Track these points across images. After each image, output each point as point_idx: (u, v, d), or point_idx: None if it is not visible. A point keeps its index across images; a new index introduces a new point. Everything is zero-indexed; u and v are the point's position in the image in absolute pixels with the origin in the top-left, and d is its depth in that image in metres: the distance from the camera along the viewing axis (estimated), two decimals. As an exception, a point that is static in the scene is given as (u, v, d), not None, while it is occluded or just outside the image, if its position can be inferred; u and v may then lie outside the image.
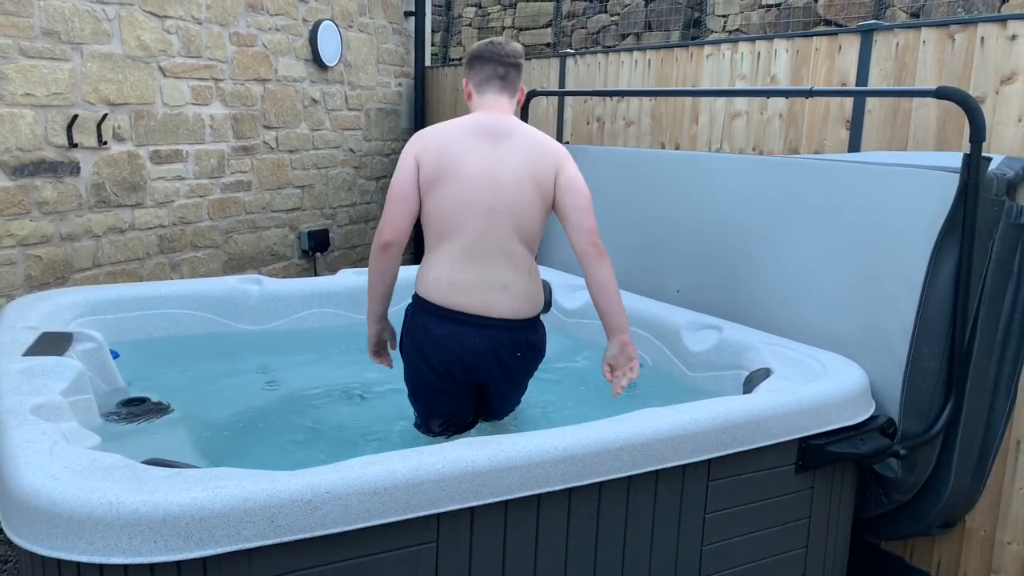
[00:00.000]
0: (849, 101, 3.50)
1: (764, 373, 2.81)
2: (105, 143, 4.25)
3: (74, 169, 4.11)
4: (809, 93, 3.15)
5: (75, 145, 4.08)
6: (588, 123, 5.00)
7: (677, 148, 4.43)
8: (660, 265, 3.93)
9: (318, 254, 5.90)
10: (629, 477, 2.23)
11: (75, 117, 4.05)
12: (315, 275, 5.83)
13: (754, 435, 2.41)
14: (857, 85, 3.48)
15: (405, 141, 6.61)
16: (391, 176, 2.75)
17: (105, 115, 4.21)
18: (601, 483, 2.20)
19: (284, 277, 4.93)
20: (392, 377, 3.59)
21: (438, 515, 1.99)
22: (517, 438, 2.14)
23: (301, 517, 1.81)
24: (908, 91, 3.20)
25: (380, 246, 2.65)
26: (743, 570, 2.54)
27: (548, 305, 4.15)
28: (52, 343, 2.88)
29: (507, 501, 2.07)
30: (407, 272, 2.89)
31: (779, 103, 3.82)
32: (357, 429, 3.14)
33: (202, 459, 2.70)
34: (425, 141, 2.67)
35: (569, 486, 2.13)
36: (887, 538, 3.10)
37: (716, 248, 3.60)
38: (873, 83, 3.41)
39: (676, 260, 3.84)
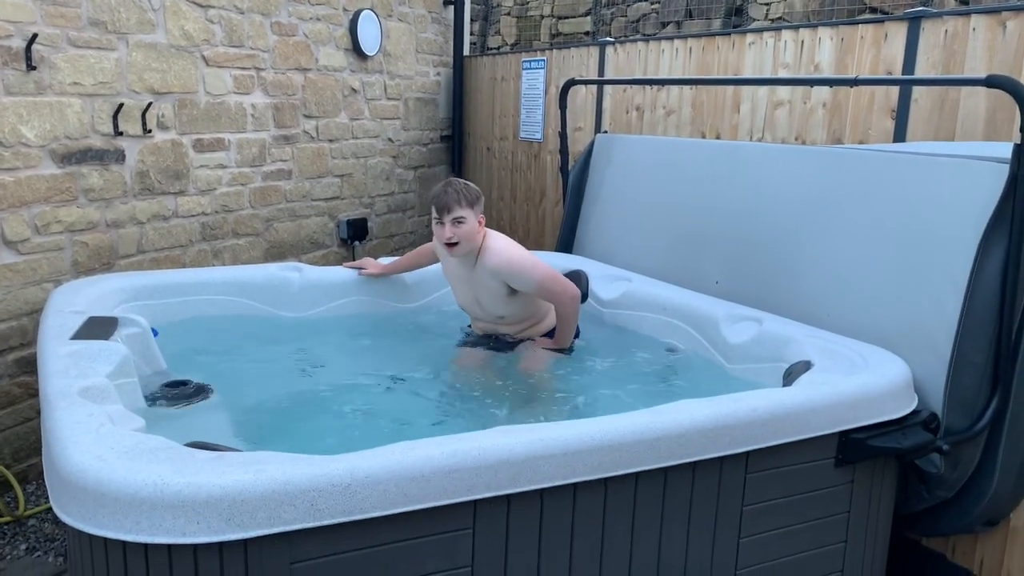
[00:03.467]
0: (895, 90, 3.43)
1: (804, 366, 2.78)
2: (149, 131, 4.32)
3: (119, 157, 4.19)
4: (854, 82, 3.10)
5: (120, 133, 4.16)
6: (627, 112, 4.97)
7: (718, 137, 4.39)
8: (699, 256, 3.90)
9: (356, 243, 5.94)
10: (666, 468, 2.23)
11: (121, 106, 4.12)
12: (353, 263, 5.87)
13: (793, 428, 2.39)
14: (903, 74, 3.42)
15: (443, 131, 6.68)
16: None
17: (150, 104, 4.28)
18: (638, 474, 2.19)
19: (323, 265, 4.97)
20: (427, 365, 3.62)
21: (475, 502, 2.00)
22: (553, 427, 2.15)
23: (340, 501, 1.83)
24: (957, 79, 3.14)
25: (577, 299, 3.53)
26: (781, 563, 2.52)
27: (584, 296, 4.13)
28: (98, 327, 2.94)
29: (543, 489, 2.08)
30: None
31: (823, 92, 3.76)
32: (393, 415, 3.16)
33: (243, 442, 2.74)
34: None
35: (605, 476, 2.13)
36: (928, 534, 3.05)
37: (756, 239, 3.57)
38: (920, 72, 3.35)
39: (715, 251, 3.81)
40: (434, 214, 3.36)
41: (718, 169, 3.82)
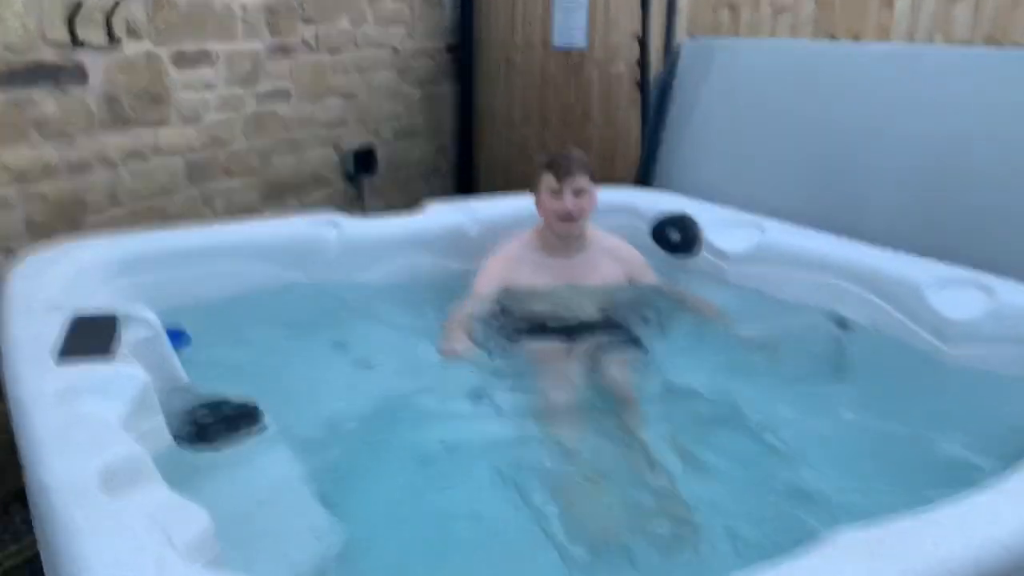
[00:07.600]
0: None
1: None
2: (117, 40, 3.24)
3: (80, 75, 3.12)
4: None
5: (79, 43, 3.09)
6: (715, 11, 4.01)
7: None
8: (854, 196, 3.06)
9: (365, 177, 4.95)
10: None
11: (78, 6, 3.04)
12: (363, 203, 4.90)
13: None
14: None
15: (449, 41, 5.61)
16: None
17: (116, 4, 3.19)
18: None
19: (328, 206, 4.03)
20: (518, 359, 2.72)
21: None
22: None
23: None
24: None
25: None
26: None
27: (697, 246, 3.24)
28: (92, 335, 1.99)
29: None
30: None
31: (1030, -22, 2.88)
32: (496, 444, 2.23)
33: (333, 512, 1.81)
34: None
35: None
36: None
37: (948, 172, 2.74)
38: None
39: (880, 189, 2.97)
40: (550, 183, 2.77)
41: (884, 83, 2.96)
